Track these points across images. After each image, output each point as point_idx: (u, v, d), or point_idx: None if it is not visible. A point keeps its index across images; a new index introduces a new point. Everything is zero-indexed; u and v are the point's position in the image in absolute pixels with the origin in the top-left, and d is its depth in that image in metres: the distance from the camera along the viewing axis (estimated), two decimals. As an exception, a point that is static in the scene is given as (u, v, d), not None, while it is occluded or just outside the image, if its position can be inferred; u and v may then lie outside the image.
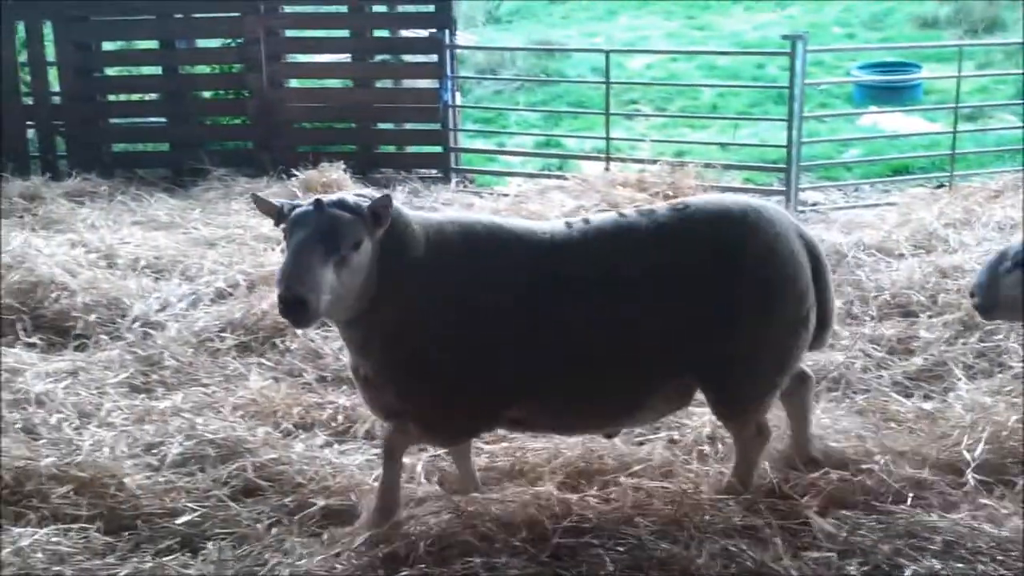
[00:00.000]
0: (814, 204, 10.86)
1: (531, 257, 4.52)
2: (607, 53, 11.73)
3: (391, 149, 12.45)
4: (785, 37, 10.45)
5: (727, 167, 11.37)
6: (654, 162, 10.71)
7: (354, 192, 4.51)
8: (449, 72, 11.51)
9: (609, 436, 5.17)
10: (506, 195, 10.87)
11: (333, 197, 4.34)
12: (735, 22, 23.32)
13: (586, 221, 4.66)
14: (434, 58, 11.61)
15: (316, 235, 4.17)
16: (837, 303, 7.11)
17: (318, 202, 4.26)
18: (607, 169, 10.96)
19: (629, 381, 4.59)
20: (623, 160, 11.40)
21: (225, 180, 11.06)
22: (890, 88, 14.56)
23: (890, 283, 7.43)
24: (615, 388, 4.60)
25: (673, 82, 16.59)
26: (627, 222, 4.58)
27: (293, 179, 10.49)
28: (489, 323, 4.46)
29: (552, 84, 17.34)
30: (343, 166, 10.61)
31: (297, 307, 4.11)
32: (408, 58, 12.27)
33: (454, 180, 11.70)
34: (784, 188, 10.56)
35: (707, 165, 10.67)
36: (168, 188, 11.20)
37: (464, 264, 4.48)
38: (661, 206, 4.72)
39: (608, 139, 11.35)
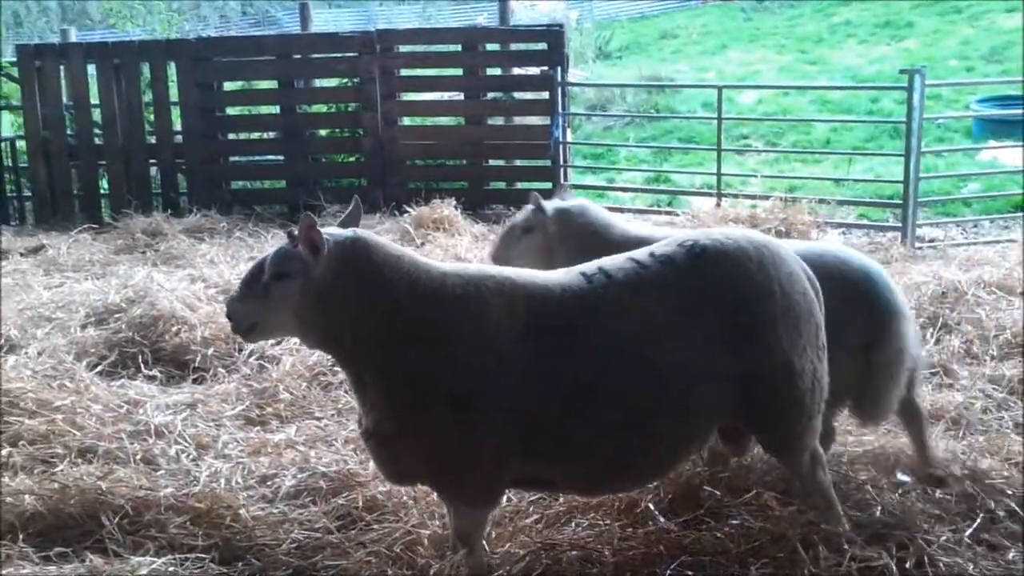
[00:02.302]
0: (931, 240, 10.62)
1: (540, 312, 4.31)
2: (719, 88, 11.67)
3: (501, 185, 12.53)
4: (903, 71, 10.27)
5: (841, 203, 11.21)
6: (766, 198, 10.60)
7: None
8: (560, 108, 11.57)
9: None
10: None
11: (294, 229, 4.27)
12: (848, 56, 23.05)
13: (601, 269, 4.45)
14: (546, 95, 11.70)
15: (257, 264, 4.38)
16: (955, 342, 7.01)
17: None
18: (718, 205, 10.88)
19: (664, 436, 4.42)
20: (734, 196, 11.31)
21: (339, 216, 11.15)
22: (1010, 122, 14.20)
23: (1011, 322, 7.21)
24: (652, 444, 4.42)
25: (786, 117, 16.42)
26: (642, 269, 4.41)
27: (405, 215, 10.63)
28: (488, 382, 4.24)
29: (662, 120, 17.31)
30: (454, 203, 10.70)
31: (232, 324, 4.48)
32: (519, 95, 12.36)
33: (564, 216, 11.70)
34: (900, 224, 10.36)
35: (821, 201, 10.53)
36: (284, 224, 11.40)
37: (457, 318, 4.28)
38: (675, 248, 4.48)
39: (719, 175, 11.27)
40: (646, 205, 12.60)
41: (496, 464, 4.34)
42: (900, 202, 10.35)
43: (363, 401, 4.37)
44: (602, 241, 5.45)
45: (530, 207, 5.87)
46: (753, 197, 10.92)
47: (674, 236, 4.64)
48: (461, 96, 12.46)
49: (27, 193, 12.83)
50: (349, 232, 4.31)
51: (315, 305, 4.25)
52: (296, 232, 4.20)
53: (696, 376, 4.32)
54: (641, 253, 4.49)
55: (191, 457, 5.79)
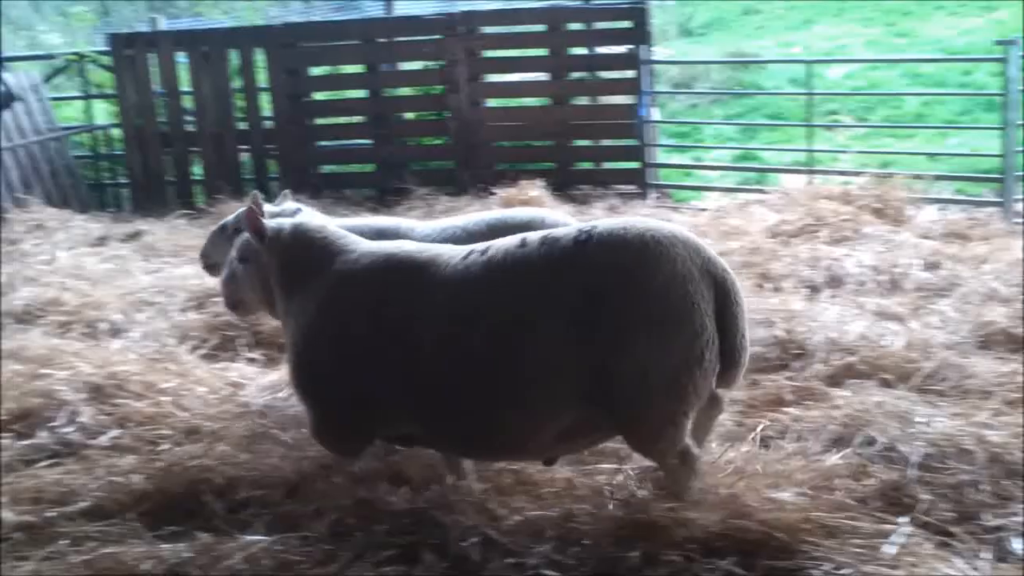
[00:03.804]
0: (1031, 215, 10.38)
1: (421, 285, 4.63)
2: (808, 63, 11.50)
3: (588, 165, 12.49)
4: (998, 42, 10.03)
5: (937, 178, 10.99)
6: (858, 174, 10.43)
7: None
8: (646, 87, 11.49)
9: (547, 463, 5.03)
10: (704, 210, 10.79)
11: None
12: (938, 27, 22.53)
13: (483, 251, 4.61)
14: (631, 73, 11.63)
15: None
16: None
17: None
18: (810, 182, 10.72)
19: (513, 414, 4.51)
20: (825, 172, 11.15)
21: (427, 199, 11.30)
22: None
23: (1119, 297, 7.04)
24: (500, 420, 4.54)
25: (876, 91, 16.10)
26: (522, 252, 4.50)
27: (493, 197, 10.65)
28: (366, 345, 4.68)
29: (748, 96, 17.10)
30: (542, 184, 10.67)
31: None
32: (604, 74, 12.29)
33: (652, 195, 11.65)
34: (1000, 199, 10.13)
35: (916, 176, 10.32)
36: (373, 208, 11.51)
37: (351, 286, 4.80)
38: (567, 233, 4.53)
39: (811, 151, 11.11)
40: (734, 183, 12.48)
41: (377, 420, 4.84)
42: (998, 176, 10.13)
43: None
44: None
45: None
46: (845, 173, 10.75)
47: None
48: (545, 76, 12.42)
49: (123, 180, 13.10)
50: (290, 221, 5.09)
51: (265, 285, 5.11)
52: (231, 220, 5.14)
53: (552, 359, 4.35)
54: (534, 234, 4.58)
55: (293, 436, 5.88)
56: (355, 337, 4.71)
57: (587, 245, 4.39)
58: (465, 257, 4.63)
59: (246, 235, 5.12)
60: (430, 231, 6.09)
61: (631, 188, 11.82)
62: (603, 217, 10.35)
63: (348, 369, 4.74)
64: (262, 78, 12.46)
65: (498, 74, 12.85)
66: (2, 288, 8.89)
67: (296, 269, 4.96)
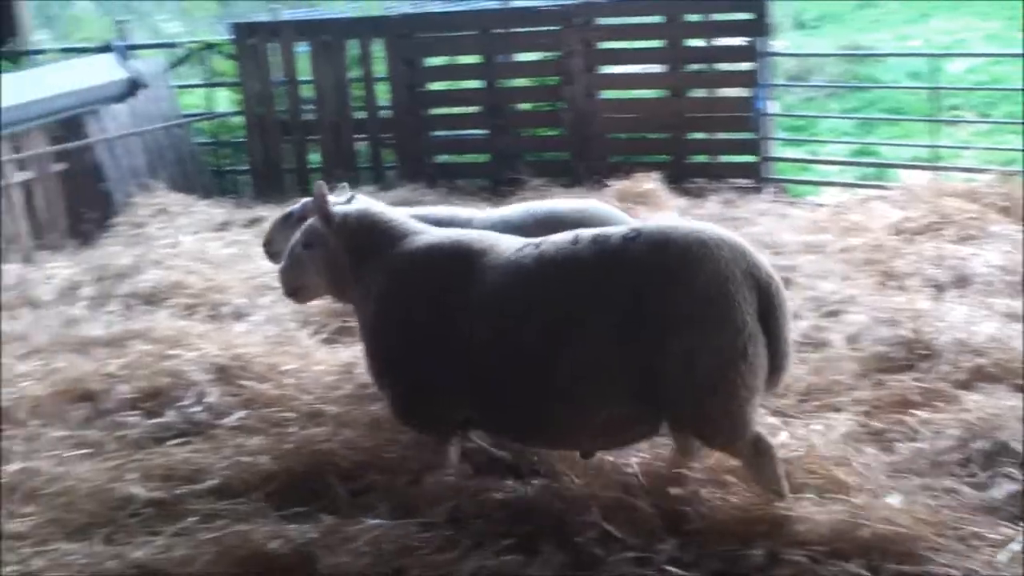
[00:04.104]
0: None
1: (478, 274, 4.82)
2: (932, 57, 11.24)
3: (703, 159, 12.37)
4: None
5: (1065, 176, 10.63)
6: (983, 171, 10.17)
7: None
8: (764, 80, 11.34)
9: (584, 456, 5.17)
10: (822, 205, 10.62)
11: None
12: (1060, 21, 21.79)
13: (537, 246, 4.79)
14: (747, 66, 11.50)
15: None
16: None
17: None
18: (934, 179, 10.46)
19: (561, 408, 4.68)
20: (947, 169, 10.90)
21: (541, 190, 11.27)
22: None
23: None
24: (548, 413, 4.73)
25: (1000, 86, 15.65)
26: (573, 249, 4.67)
27: (607, 189, 10.62)
28: (424, 331, 4.90)
29: (865, 90, 16.79)
30: (658, 176, 10.59)
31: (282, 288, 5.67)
32: (721, 66, 12.14)
33: (768, 190, 11.50)
34: None
35: (1044, 175, 10.00)
36: (487, 198, 11.54)
37: (413, 274, 5.02)
38: (617, 232, 4.71)
39: (935, 147, 10.86)
40: (852, 179, 12.27)
41: (440, 404, 5.02)
42: None
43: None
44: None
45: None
46: (970, 170, 10.48)
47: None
48: (661, 68, 12.32)
49: (243, 167, 13.36)
50: (355, 206, 5.33)
51: (332, 269, 5.31)
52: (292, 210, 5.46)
53: (600, 356, 4.53)
54: (586, 231, 4.78)
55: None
56: (415, 322, 4.95)
57: (635, 244, 4.57)
58: (520, 250, 4.83)
59: (311, 221, 5.35)
60: (487, 220, 6.17)
61: (746, 182, 11.67)
62: (717, 212, 10.33)
63: (411, 353, 4.97)
64: (380, 68, 12.56)
65: (613, 65, 12.78)
66: (116, 270, 9.16)
67: (363, 252, 5.19)
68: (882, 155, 13.34)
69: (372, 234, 5.21)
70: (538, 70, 12.95)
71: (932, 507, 4.75)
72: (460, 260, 4.92)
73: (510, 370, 4.74)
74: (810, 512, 4.65)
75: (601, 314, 4.54)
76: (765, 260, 4.66)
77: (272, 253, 6.71)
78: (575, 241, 4.72)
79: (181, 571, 4.49)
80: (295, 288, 5.60)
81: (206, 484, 5.29)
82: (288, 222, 6.58)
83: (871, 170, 12.57)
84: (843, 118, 15.17)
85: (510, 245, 4.92)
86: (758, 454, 4.71)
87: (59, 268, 9.49)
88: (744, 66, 11.64)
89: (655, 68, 12.57)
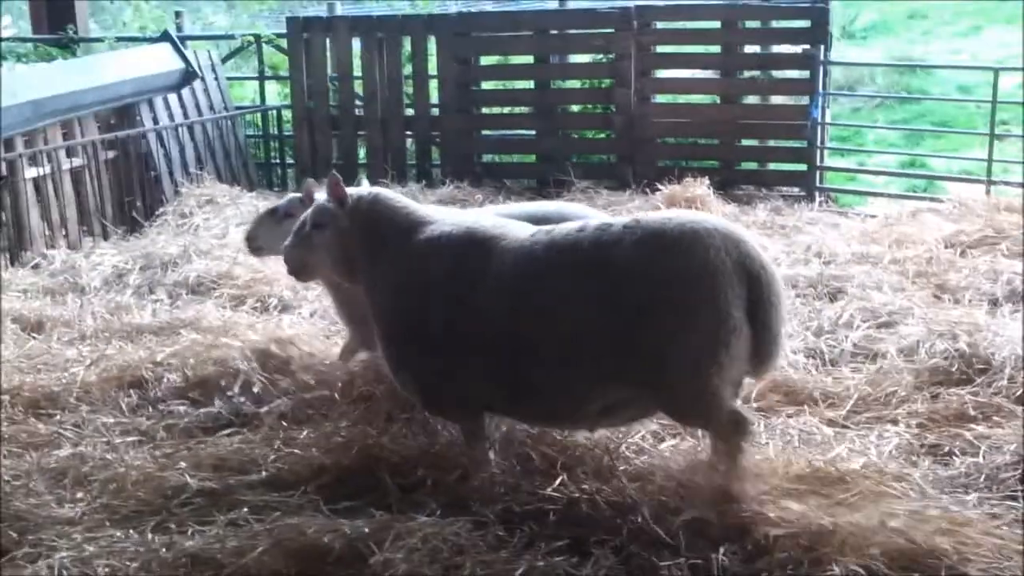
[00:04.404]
0: None
1: (493, 258, 4.97)
2: (996, 71, 11.08)
3: (753, 166, 12.28)
4: None
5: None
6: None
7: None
8: (821, 88, 11.25)
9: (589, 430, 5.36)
10: (872, 216, 10.51)
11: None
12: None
13: (549, 231, 4.98)
14: (803, 74, 11.39)
15: (303, 218, 5.57)
16: None
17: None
18: (987, 192, 10.34)
19: (560, 385, 4.88)
20: (995, 183, 10.78)
21: (588, 192, 11.25)
22: None
23: None
24: (549, 390, 4.90)
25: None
26: (577, 235, 4.85)
27: (657, 194, 10.56)
28: (445, 315, 5.02)
29: (913, 102, 16.71)
30: (707, 182, 10.51)
31: (287, 267, 5.72)
32: (777, 73, 12.06)
33: (818, 199, 11.40)
34: None
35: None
36: (532, 199, 11.49)
37: (435, 259, 5.10)
38: (620, 220, 4.92)
39: (990, 161, 10.74)
40: (900, 190, 12.15)
41: (460, 388, 5.12)
42: None
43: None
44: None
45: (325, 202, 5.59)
46: (1020, 185, 10.36)
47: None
48: (716, 74, 12.23)
49: (290, 160, 13.39)
50: (368, 189, 5.47)
51: (341, 251, 5.37)
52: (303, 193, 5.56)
53: (595, 335, 4.71)
54: (594, 220, 5.10)
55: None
56: (437, 305, 5.06)
57: (632, 232, 4.74)
58: (533, 235, 5.01)
59: (322, 202, 5.47)
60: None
61: (795, 191, 11.57)
62: (766, 220, 10.26)
63: (432, 337, 5.07)
64: (431, 65, 12.55)
65: (668, 69, 12.70)
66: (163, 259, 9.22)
67: (378, 236, 5.29)
68: (931, 168, 13.21)
69: (388, 219, 5.31)
70: (591, 72, 12.87)
71: (992, 524, 4.66)
72: (479, 244, 5.07)
73: (521, 351, 4.90)
74: (870, 525, 4.57)
75: (595, 296, 4.72)
76: (760, 251, 4.78)
77: (255, 248, 6.90)
78: (582, 228, 4.91)
79: (233, 562, 4.45)
80: (300, 267, 5.69)
81: (257, 476, 5.27)
82: (274, 217, 6.69)
83: (920, 183, 12.45)
84: (893, 129, 15.04)
85: (525, 230, 5.12)
86: (736, 434, 4.84)
87: (106, 255, 9.52)
88: (801, 74, 11.51)
89: (710, 74, 12.47)
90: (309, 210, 5.58)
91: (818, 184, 11.67)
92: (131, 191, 11.16)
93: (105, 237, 10.50)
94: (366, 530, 4.63)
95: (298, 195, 6.55)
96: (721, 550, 4.51)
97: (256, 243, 6.85)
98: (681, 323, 4.63)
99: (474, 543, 4.62)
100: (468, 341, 5.01)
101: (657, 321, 4.64)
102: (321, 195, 6.03)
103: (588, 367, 4.81)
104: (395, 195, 5.51)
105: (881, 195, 11.90)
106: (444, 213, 5.53)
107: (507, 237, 5.06)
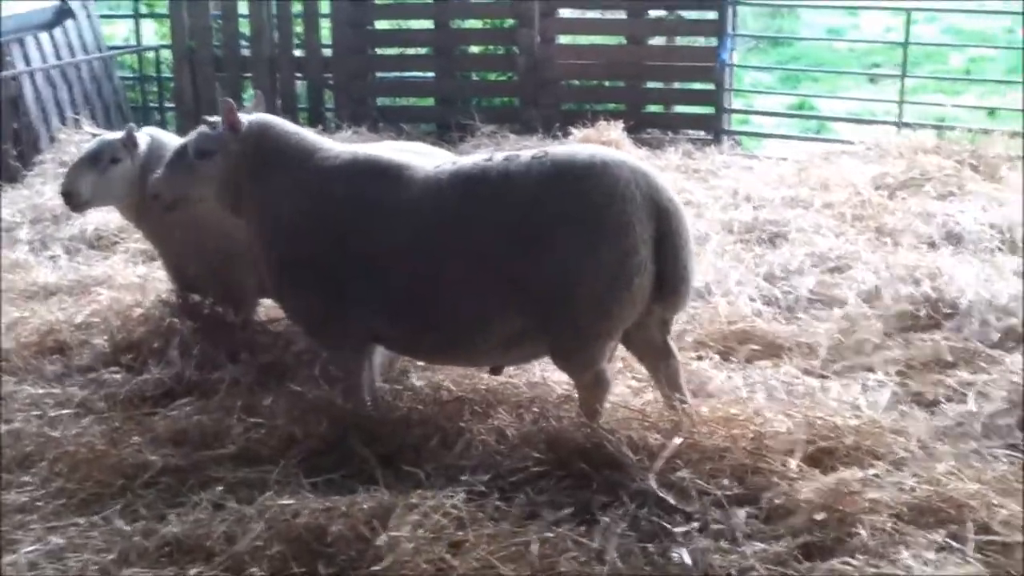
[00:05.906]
0: None
1: (396, 186, 4.87)
2: (908, 11, 11.13)
3: (658, 109, 12.09)
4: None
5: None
6: (952, 128, 10.15)
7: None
8: (730, 30, 11.11)
9: (494, 372, 5.32)
10: (784, 159, 10.45)
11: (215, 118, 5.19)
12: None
13: (454, 162, 4.96)
14: (712, 15, 11.24)
15: (179, 147, 5.29)
16: None
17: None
18: (899, 133, 10.36)
19: (461, 315, 4.82)
20: (883, 123, 10.91)
21: (494, 137, 10.92)
22: None
23: None
24: (449, 320, 4.86)
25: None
26: (484, 165, 4.81)
27: (569, 138, 10.28)
28: (340, 243, 4.90)
29: (785, 45, 16.93)
30: (621, 125, 10.27)
31: (157, 200, 5.32)
32: (685, 14, 11.83)
33: (726, 142, 11.30)
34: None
35: (1014, 134, 9.97)
36: (435, 144, 11.06)
37: (336, 186, 4.97)
38: (528, 152, 4.86)
39: (901, 102, 10.83)
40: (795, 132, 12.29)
41: (355, 316, 4.97)
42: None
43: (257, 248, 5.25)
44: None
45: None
46: (939, 127, 10.47)
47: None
48: (623, 14, 11.94)
49: (169, 104, 12.65)
50: (259, 115, 5.23)
51: (231, 177, 5.11)
52: (213, 120, 5.14)
53: (496, 264, 4.67)
54: (501, 152, 5.02)
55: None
56: (332, 233, 4.94)
57: (540, 162, 4.69)
58: (439, 165, 4.94)
59: (205, 130, 5.19)
60: None
61: (701, 134, 11.46)
62: (679, 163, 10.12)
63: (324, 262, 4.95)
64: (323, 4, 11.96)
65: (574, 9, 12.35)
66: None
67: (270, 163, 5.09)
68: (818, 109, 13.42)
69: (280, 145, 5.11)
70: (493, 12, 12.46)
71: (999, 473, 4.58)
72: (384, 172, 4.97)
73: (419, 281, 4.84)
74: (884, 483, 4.43)
75: (499, 224, 4.67)
76: (668, 186, 4.75)
77: (80, 203, 6.03)
78: (489, 158, 4.87)
79: (225, 550, 4.04)
80: (175, 199, 5.30)
81: (224, 450, 4.84)
82: (98, 166, 5.90)
83: (811, 124, 12.55)
84: (784, 69, 15.30)
85: (428, 162, 5.05)
86: (596, 385, 4.82)
87: (-13, 208, 8.81)
88: (709, 15, 11.35)
89: (616, 15, 12.18)
90: (189, 138, 5.24)
91: (728, 127, 11.56)
92: (2, 137, 10.31)
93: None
94: (365, 507, 4.27)
95: (117, 135, 5.94)
96: (742, 512, 4.32)
97: (81, 198, 5.95)
98: (587, 253, 4.56)
99: (474, 516, 4.32)
100: (368, 269, 4.90)
101: (564, 249, 4.57)
102: (143, 137, 5.94)
103: (490, 297, 4.74)
104: (285, 121, 5.30)
105: (794, 138, 11.94)
106: (332, 142, 5.34)
107: (412, 167, 4.96)
